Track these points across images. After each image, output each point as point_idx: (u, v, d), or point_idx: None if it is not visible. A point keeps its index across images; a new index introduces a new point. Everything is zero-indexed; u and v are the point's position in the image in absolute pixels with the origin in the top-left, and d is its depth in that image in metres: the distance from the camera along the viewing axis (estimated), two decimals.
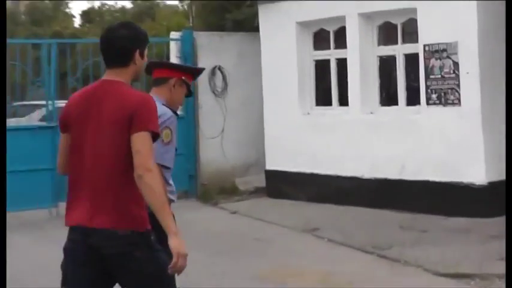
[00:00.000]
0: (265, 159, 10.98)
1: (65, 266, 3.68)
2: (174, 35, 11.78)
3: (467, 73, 8.66)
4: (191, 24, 19.55)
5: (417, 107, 9.31)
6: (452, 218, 8.61)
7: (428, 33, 8.96)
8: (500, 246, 7.28)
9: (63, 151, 3.75)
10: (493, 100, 8.66)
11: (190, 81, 4.49)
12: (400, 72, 9.54)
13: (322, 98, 10.67)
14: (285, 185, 10.59)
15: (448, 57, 8.80)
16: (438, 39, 8.85)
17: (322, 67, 10.59)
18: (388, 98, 10.04)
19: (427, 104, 9.08)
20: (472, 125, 8.68)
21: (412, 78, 9.63)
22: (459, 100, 8.75)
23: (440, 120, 8.96)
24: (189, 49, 11.28)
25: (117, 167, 3.56)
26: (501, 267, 6.55)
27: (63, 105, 3.95)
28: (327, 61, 10.41)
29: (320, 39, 10.66)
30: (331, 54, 10.35)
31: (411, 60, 9.47)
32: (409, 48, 9.44)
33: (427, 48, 8.99)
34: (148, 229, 3.61)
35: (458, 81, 8.74)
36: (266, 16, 10.87)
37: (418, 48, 9.14)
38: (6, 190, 5.23)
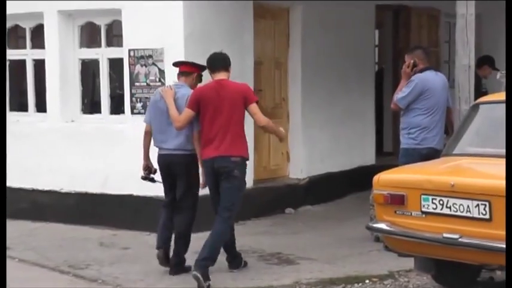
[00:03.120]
0: None
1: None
2: None
3: (173, 82, 8.94)
4: None
5: (121, 116, 9.46)
6: (156, 233, 8.81)
7: (134, 38, 9.17)
8: None
9: (188, 118, 7.05)
10: None
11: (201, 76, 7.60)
12: (103, 78, 9.62)
13: (18, 103, 10.42)
14: None
15: (153, 64, 9.06)
16: (144, 44, 9.09)
17: (18, 68, 10.33)
18: (91, 105, 10.08)
19: (132, 113, 9.26)
20: None
21: (117, 85, 9.77)
22: None
23: None
24: None
25: (235, 123, 6.96)
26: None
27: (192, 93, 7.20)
28: (23, 61, 10.18)
29: (16, 37, 10.40)
30: (28, 54, 10.16)
31: (116, 65, 9.61)
32: (114, 52, 9.57)
33: (132, 53, 9.17)
34: (246, 159, 7.05)
35: None
36: None
37: (123, 52, 9.28)
38: (6, 191, 5.89)
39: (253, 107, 6.99)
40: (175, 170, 7.23)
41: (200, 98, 7.05)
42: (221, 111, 6.94)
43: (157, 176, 7.52)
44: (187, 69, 7.53)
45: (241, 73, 9.57)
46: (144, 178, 7.58)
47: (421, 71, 7.86)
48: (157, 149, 7.44)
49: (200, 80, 7.60)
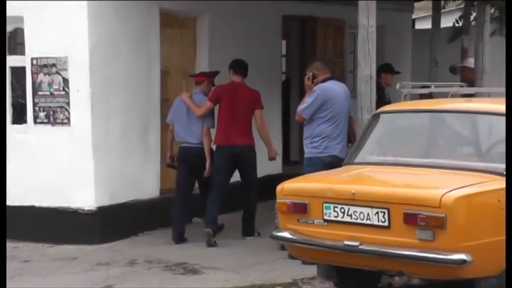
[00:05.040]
0: None
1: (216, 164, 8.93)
2: None
3: (78, 91, 8.87)
4: None
5: (24, 125, 9.29)
6: (59, 245, 8.73)
7: (37, 46, 9.01)
8: (106, 273, 7.61)
9: (208, 109, 8.89)
10: (104, 121, 8.98)
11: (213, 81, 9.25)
12: (6, 87, 9.41)
13: None
14: None
15: (57, 72, 8.93)
16: (47, 52, 8.94)
17: None
18: None
19: (35, 122, 9.11)
20: (82, 147, 8.90)
21: (19, 93, 9.59)
22: (69, 120, 8.93)
23: (49, 140, 9.06)
24: None
25: (246, 119, 8.88)
26: None
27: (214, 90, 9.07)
28: None
29: None
30: None
31: (19, 74, 9.42)
32: (16, 60, 9.37)
33: (34, 62, 9.02)
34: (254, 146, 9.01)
35: (68, 99, 8.91)
36: None
37: (25, 61, 9.12)
38: (5, 190, 6.09)
39: (258, 112, 8.94)
40: (193, 159, 8.89)
41: (220, 95, 8.91)
42: (236, 107, 8.81)
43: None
44: (199, 79, 9.24)
45: (148, 81, 9.56)
46: (169, 165, 9.25)
47: (323, 81, 8.00)
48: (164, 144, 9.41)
49: (213, 85, 9.17)
